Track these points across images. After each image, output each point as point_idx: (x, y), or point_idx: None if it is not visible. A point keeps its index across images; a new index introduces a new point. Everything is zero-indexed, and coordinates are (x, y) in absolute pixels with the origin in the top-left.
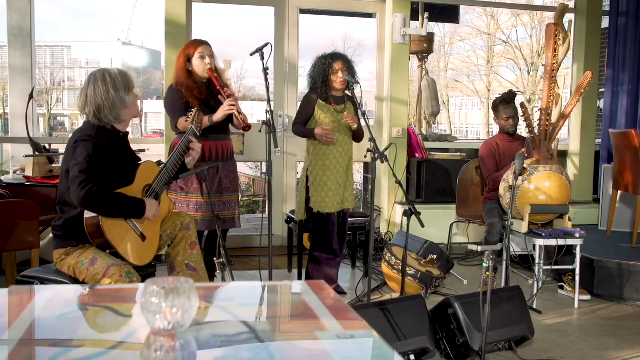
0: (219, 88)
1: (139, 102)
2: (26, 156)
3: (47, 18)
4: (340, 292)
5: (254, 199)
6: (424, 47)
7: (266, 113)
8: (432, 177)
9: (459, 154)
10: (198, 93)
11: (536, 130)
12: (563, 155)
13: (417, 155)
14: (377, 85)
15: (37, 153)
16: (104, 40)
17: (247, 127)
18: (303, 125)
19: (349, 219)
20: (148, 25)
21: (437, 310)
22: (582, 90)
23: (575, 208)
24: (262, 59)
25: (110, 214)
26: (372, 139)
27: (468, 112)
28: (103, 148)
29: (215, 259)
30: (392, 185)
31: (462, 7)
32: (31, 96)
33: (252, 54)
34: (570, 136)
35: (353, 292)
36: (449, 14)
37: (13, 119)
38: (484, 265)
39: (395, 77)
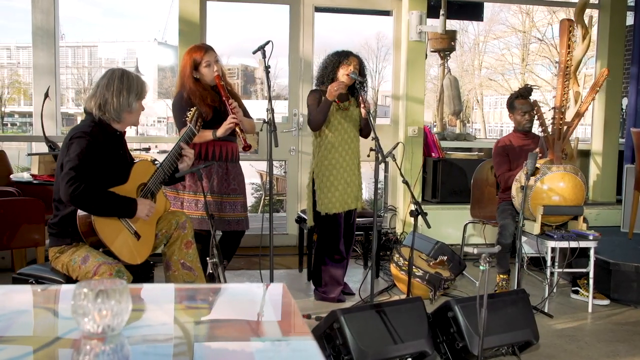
0: (224, 99)
1: (142, 112)
2: (29, 154)
3: (85, 18)
4: (347, 292)
5: (277, 198)
6: (446, 45)
7: (267, 112)
8: (448, 176)
9: (476, 153)
10: (211, 101)
11: (550, 129)
12: (586, 154)
13: (433, 154)
14: (394, 84)
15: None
16: (141, 40)
17: (247, 147)
18: None
19: (361, 219)
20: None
21: (438, 313)
22: (598, 88)
23: (597, 209)
24: (264, 57)
25: (99, 212)
26: (375, 138)
27: (503, 111)
28: (97, 146)
29: (208, 258)
30: None
31: (497, 5)
32: (46, 95)
33: (254, 52)
34: (593, 135)
35: (363, 293)
36: (472, 11)
37: (37, 118)
38: (481, 268)
39: (411, 75)
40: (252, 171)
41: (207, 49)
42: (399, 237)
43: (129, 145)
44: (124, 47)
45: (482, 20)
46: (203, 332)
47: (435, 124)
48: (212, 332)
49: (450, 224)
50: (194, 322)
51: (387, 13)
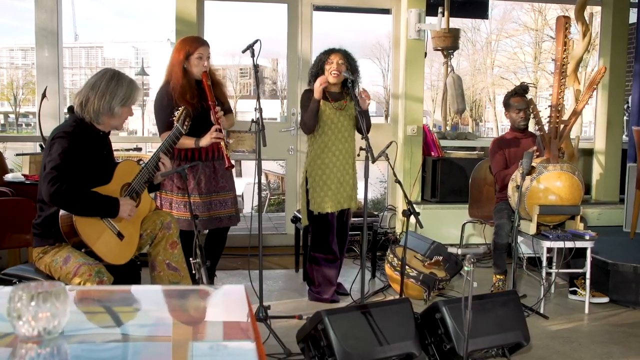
0: (209, 102)
1: (129, 117)
2: (17, 154)
3: (99, 19)
4: (341, 292)
5: (282, 198)
6: (449, 43)
7: (255, 111)
8: (448, 176)
9: (476, 152)
10: (190, 97)
11: (546, 128)
12: (589, 153)
13: (432, 153)
14: (393, 83)
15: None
16: (154, 41)
17: (229, 167)
18: None
19: (358, 219)
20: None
21: (426, 315)
22: (595, 86)
23: (599, 209)
24: (253, 56)
25: (81, 212)
26: (365, 137)
27: None
28: (80, 145)
29: (191, 259)
30: (407, 185)
31: (509, 3)
32: (43, 95)
33: (243, 51)
34: (596, 134)
35: (358, 292)
36: (476, 9)
37: (41, 119)
38: (466, 269)
39: (410, 73)
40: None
41: (204, 43)
42: (398, 236)
43: (127, 145)
44: (137, 47)
45: (487, 18)
46: (143, 334)
47: (447, 122)
48: (152, 334)
49: (450, 223)
50: (137, 324)
51: (386, 11)
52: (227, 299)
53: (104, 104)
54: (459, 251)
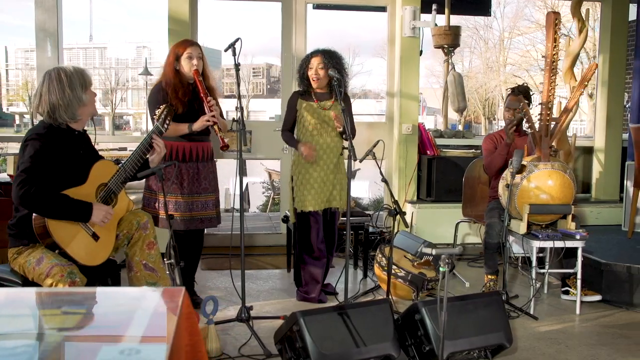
0: (202, 95)
1: (96, 99)
2: (1, 155)
3: (113, 19)
4: (329, 292)
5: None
6: (450, 41)
7: (236, 110)
8: (443, 174)
9: (472, 150)
10: (182, 95)
11: (537, 126)
12: (588, 151)
13: (428, 152)
14: (388, 81)
15: None
16: (167, 41)
17: (225, 147)
18: (290, 130)
19: (351, 218)
20: (208, 25)
21: (406, 316)
22: (586, 82)
23: (598, 207)
24: (234, 54)
25: (51, 215)
26: (348, 137)
27: None
28: (52, 147)
29: (165, 259)
30: (402, 184)
31: (522, 1)
32: None
33: (225, 50)
34: (595, 131)
35: (350, 292)
36: (477, 6)
37: (37, 119)
38: (441, 269)
39: (405, 72)
40: (260, 169)
41: (192, 44)
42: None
43: (111, 145)
44: (150, 47)
45: (489, 15)
46: (60, 336)
47: (459, 121)
48: (71, 335)
49: (446, 222)
50: (57, 327)
51: (382, 9)
52: (163, 301)
53: (70, 99)
54: (433, 252)
